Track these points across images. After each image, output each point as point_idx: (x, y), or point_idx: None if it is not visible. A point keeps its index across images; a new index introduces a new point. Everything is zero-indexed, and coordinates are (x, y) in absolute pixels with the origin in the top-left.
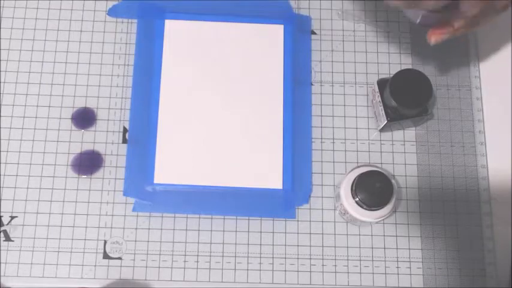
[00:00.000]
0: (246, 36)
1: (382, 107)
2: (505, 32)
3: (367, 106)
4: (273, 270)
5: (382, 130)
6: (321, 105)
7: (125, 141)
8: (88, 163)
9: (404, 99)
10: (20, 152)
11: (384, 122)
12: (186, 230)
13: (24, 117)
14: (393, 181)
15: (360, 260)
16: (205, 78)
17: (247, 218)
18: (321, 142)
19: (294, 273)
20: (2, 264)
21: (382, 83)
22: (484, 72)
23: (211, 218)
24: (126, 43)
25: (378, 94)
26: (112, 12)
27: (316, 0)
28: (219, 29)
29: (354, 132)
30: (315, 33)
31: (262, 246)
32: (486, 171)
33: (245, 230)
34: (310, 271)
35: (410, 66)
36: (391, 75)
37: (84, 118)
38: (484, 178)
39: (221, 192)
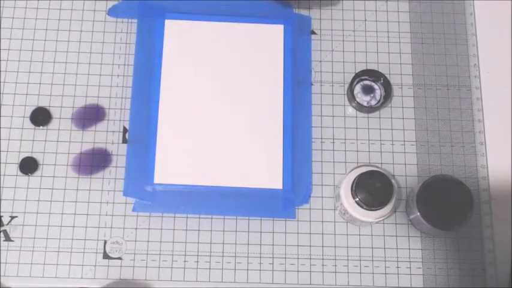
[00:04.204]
0: (246, 36)
1: None
2: (505, 32)
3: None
4: (273, 270)
5: None
6: (321, 105)
7: (124, 141)
8: (95, 162)
9: None
10: (19, 152)
11: None
12: (186, 230)
13: (24, 117)
14: (393, 181)
15: (360, 260)
16: (205, 78)
17: (247, 218)
18: (321, 142)
19: (294, 273)
20: (2, 264)
21: None
22: (484, 72)
23: (211, 218)
24: (126, 43)
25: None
26: (112, 12)
27: (316, 0)
28: (219, 29)
29: (354, 132)
30: (315, 33)
31: (262, 246)
32: (486, 171)
33: (245, 230)
34: (310, 271)
35: (410, 66)
36: None
37: (94, 115)
38: (484, 178)
39: (221, 192)
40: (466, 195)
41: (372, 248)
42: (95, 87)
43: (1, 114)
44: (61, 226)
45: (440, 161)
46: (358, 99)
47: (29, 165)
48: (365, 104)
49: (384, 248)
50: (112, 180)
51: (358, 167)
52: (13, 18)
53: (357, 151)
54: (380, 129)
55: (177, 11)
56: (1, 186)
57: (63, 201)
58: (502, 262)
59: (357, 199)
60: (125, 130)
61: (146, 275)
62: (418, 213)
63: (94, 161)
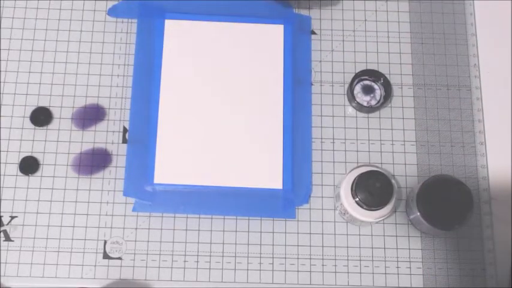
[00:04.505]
0: (246, 36)
1: None
2: (505, 32)
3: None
4: (273, 270)
5: None
6: (321, 105)
7: (124, 141)
8: (95, 162)
9: None
10: (19, 152)
11: None
12: (186, 230)
13: (24, 117)
14: (393, 181)
15: (360, 260)
16: (205, 78)
17: (247, 218)
18: (321, 142)
19: (294, 273)
20: (2, 264)
21: None
22: (484, 72)
23: (211, 218)
24: (126, 43)
25: None
26: (112, 12)
27: (316, 0)
28: (219, 29)
29: (354, 132)
30: (315, 33)
31: (262, 246)
32: (486, 171)
33: (245, 230)
34: (310, 271)
35: (410, 67)
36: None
37: (94, 115)
38: (484, 178)
39: (221, 192)
40: (466, 195)
41: (372, 248)
42: (95, 87)
43: (1, 114)
44: (61, 226)
45: (440, 161)
46: (358, 99)
47: (29, 166)
48: (365, 104)
49: (384, 248)
50: (112, 180)
51: (358, 167)
52: (13, 18)
53: (357, 151)
54: (380, 129)
55: (177, 11)
56: (1, 186)
57: (63, 201)
58: (502, 262)
59: (357, 199)
60: (124, 130)
61: (146, 275)
62: (418, 213)
63: (94, 161)
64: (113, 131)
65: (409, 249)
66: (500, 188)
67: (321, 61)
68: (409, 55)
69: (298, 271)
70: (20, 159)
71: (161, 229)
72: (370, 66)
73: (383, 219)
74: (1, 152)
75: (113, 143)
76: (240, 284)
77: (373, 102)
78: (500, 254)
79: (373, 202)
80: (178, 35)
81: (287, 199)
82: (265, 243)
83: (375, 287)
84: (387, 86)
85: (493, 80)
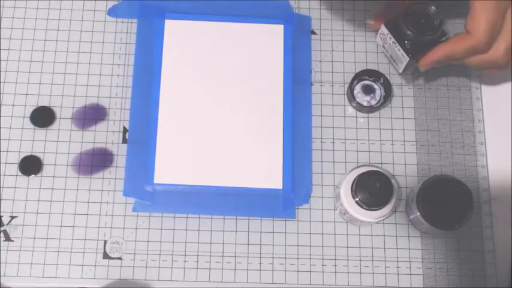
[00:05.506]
0: (246, 36)
1: (398, 46)
2: None
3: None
4: (273, 270)
5: (404, 72)
6: (321, 105)
7: (124, 141)
8: (95, 162)
9: (419, 26)
10: (19, 152)
11: (406, 60)
12: (186, 230)
13: (24, 117)
14: (393, 181)
15: (360, 260)
16: (205, 78)
17: (247, 218)
18: (321, 142)
19: (294, 273)
20: (2, 264)
21: (390, 23)
22: (484, 73)
23: (211, 218)
24: (126, 43)
25: (390, 35)
26: (112, 12)
27: (316, 0)
28: (219, 29)
29: (354, 132)
30: (315, 33)
31: (262, 246)
32: (486, 171)
33: (245, 230)
34: (310, 271)
35: None
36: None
37: (94, 115)
38: (484, 178)
39: (221, 192)
40: (466, 195)
41: (372, 248)
42: (95, 87)
43: (1, 114)
44: (61, 226)
45: (440, 161)
46: (358, 99)
47: (30, 166)
48: (365, 104)
49: (384, 248)
50: (112, 180)
51: (358, 167)
52: (13, 18)
53: (357, 151)
54: (380, 129)
55: (177, 11)
56: (1, 186)
57: (63, 201)
58: (502, 262)
59: (357, 199)
60: (124, 130)
61: (146, 275)
62: (418, 213)
63: (94, 161)
64: (113, 131)
65: (409, 249)
66: (500, 188)
67: (321, 61)
68: None
69: (298, 271)
70: (20, 159)
71: (161, 229)
72: (370, 66)
73: (383, 219)
74: (1, 152)
75: (113, 143)
76: (240, 284)
77: (373, 102)
78: (500, 254)
79: (373, 202)
80: (178, 35)
81: (287, 199)
82: (265, 243)
83: (375, 287)
84: (387, 86)
85: (493, 80)
